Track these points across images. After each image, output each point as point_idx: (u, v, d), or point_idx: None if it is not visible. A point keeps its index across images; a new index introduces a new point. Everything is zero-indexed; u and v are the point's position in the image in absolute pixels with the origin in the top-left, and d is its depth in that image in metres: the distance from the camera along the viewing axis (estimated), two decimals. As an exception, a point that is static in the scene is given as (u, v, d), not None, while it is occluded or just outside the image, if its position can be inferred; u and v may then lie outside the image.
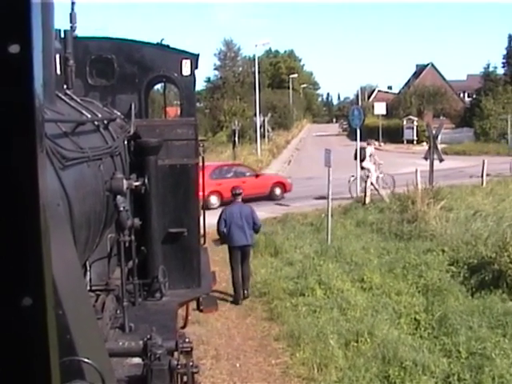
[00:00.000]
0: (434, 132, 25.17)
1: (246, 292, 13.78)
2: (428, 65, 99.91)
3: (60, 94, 5.82)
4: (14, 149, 1.18)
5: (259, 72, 51.55)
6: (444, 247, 15.47)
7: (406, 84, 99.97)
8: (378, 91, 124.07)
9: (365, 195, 22.83)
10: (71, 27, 7.52)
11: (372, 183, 22.81)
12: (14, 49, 1.13)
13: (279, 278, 14.28)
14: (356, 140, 25.73)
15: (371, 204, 22.59)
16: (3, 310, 1.21)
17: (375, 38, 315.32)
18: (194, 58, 9.01)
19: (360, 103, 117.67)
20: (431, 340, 10.65)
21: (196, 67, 9.05)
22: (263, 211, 23.77)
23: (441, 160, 24.63)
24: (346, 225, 19.70)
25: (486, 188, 26.25)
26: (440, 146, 54.15)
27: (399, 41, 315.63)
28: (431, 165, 24.60)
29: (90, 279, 6.27)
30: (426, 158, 25.22)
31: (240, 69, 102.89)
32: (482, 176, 27.72)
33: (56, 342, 1.29)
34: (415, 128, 65.02)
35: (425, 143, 62.00)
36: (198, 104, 66.77)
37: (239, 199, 14.10)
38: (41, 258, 1.22)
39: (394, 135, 65.64)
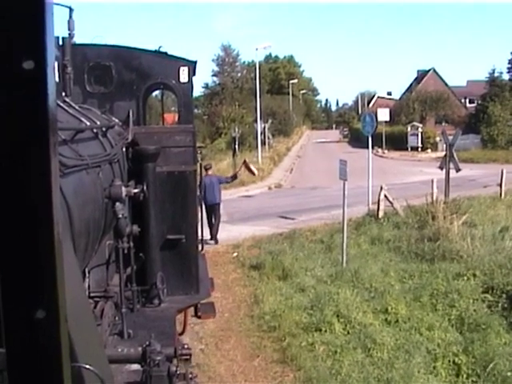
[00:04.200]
0: (450, 140, 23.40)
1: (214, 237, 19.42)
2: (430, 70, 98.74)
3: (58, 102, 5.84)
4: (30, 162, 1.19)
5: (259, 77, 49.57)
6: (475, 271, 13.66)
7: (408, 89, 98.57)
8: (378, 97, 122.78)
9: (378, 208, 20.91)
10: (69, 34, 7.57)
11: (386, 195, 20.89)
12: (29, 65, 1.16)
13: (290, 307, 12.39)
14: (368, 148, 23.93)
15: (385, 218, 20.66)
16: (17, 323, 1.22)
17: (373, 44, 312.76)
18: (192, 65, 9.07)
19: (360, 109, 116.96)
20: (479, 393, 8.87)
21: (194, 74, 9.12)
22: (267, 226, 22.01)
23: (458, 170, 22.84)
24: (359, 242, 17.76)
25: (506, 200, 24.39)
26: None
27: (397, 47, 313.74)
28: (447, 175, 22.81)
29: (89, 286, 6.20)
30: (441, 168, 23.39)
31: (239, 74, 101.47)
32: (501, 186, 25.80)
33: (68, 354, 1.29)
34: (420, 135, 63.29)
35: (429, 150, 60.66)
36: (195, 110, 65.49)
37: (210, 172, 19.15)
38: (54, 271, 1.23)
39: (397, 142, 63.74)
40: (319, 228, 20.66)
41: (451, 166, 22.76)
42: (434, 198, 20.30)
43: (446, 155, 23.21)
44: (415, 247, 16.55)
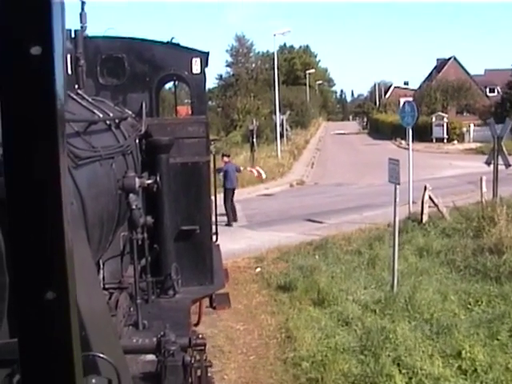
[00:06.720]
0: (498, 132, 20.56)
1: (235, 218, 21.57)
2: (450, 59, 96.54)
3: (71, 94, 6.05)
4: (37, 150, 1.18)
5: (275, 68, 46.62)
6: (561, 296, 10.96)
7: (427, 78, 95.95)
8: (395, 87, 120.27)
9: (422, 212, 18.09)
10: (81, 27, 7.70)
11: (430, 196, 18.08)
12: (36, 51, 1.14)
13: (334, 350, 9.63)
14: (408, 139, 21.22)
15: (430, 223, 17.82)
16: (28, 304, 1.22)
17: (386, 34, 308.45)
18: (204, 56, 9.06)
19: (377, 100, 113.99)
20: None
21: (206, 65, 9.10)
22: (293, 231, 19.32)
23: (508, 165, 20.08)
24: (405, 255, 14.75)
25: None
26: (475, 145, 49.89)
27: (410, 37, 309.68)
28: (495, 171, 20.04)
29: (104, 277, 6.21)
30: (488, 163, 20.61)
31: (253, 65, 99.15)
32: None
33: (78, 336, 1.28)
34: (445, 125, 60.05)
35: (456, 142, 57.52)
36: (209, 103, 63.11)
37: (227, 159, 22.23)
38: (63, 253, 1.22)
39: (421, 133, 60.23)
40: (354, 235, 17.77)
41: (500, 161, 20.05)
42: (486, 199, 17.65)
43: (493, 149, 20.45)
44: (474, 261, 13.79)
